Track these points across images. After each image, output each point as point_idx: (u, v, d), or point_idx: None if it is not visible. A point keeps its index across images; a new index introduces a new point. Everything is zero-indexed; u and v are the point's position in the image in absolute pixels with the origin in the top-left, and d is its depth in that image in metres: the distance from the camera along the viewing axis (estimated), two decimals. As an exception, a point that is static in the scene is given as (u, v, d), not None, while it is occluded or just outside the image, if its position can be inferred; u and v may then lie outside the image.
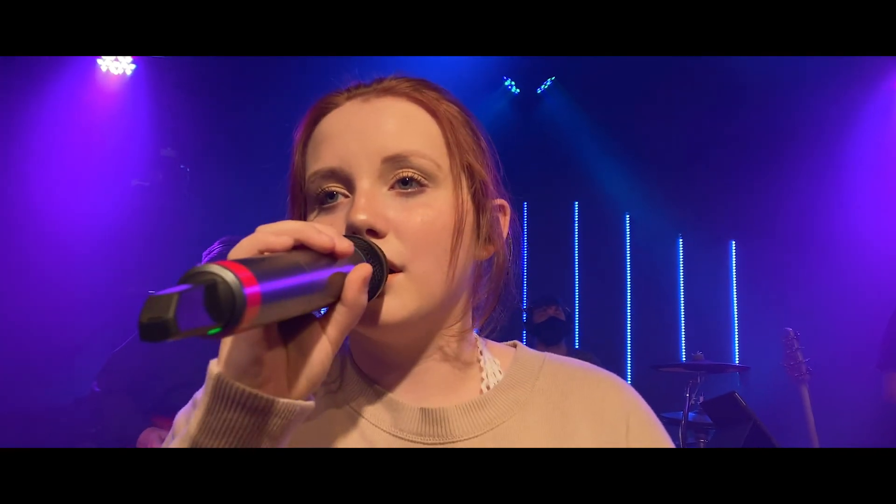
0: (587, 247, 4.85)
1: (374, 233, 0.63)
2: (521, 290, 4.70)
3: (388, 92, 0.69)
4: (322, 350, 0.55)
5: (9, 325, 3.65)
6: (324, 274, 0.52)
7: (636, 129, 4.54)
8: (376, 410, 0.69)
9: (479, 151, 0.71)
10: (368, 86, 0.70)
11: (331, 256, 0.54)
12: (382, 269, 0.61)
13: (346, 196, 0.65)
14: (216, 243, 2.50)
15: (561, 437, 0.71)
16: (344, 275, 0.55)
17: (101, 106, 4.10)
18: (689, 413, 2.98)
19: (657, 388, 3.85)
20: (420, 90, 0.69)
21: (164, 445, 0.70)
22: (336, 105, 0.69)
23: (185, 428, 0.56)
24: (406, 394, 0.70)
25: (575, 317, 4.64)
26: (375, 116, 0.66)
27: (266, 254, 0.51)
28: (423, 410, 0.68)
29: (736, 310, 4.65)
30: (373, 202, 0.63)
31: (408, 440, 0.68)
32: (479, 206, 0.70)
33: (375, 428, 0.68)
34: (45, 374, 3.84)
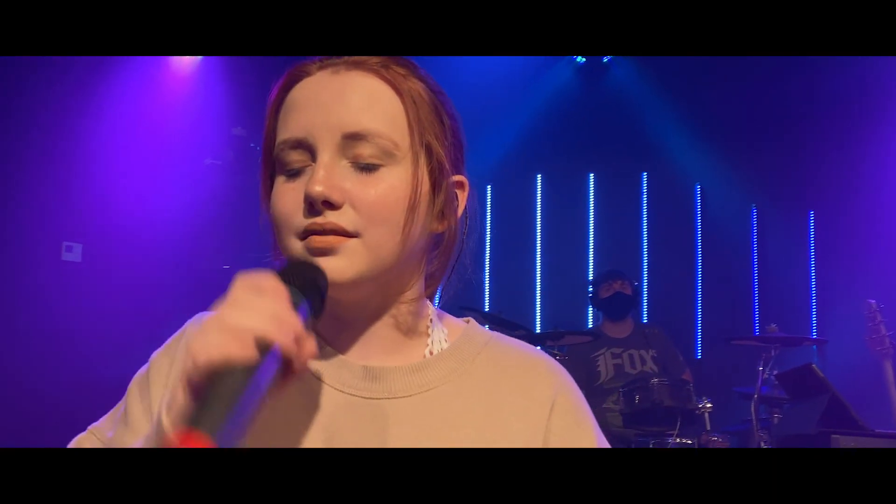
0: (656, 219, 4.74)
1: (329, 203, 0.67)
2: (587, 264, 4.66)
3: (358, 66, 0.71)
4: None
5: (97, 300, 3.85)
6: (266, 374, 0.57)
7: (706, 95, 4.40)
8: (324, 367, 0.74)
9: (440, 130, 0.74)
10: (342, 58, 0.73)
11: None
12: (321, 298, 0.65)
13: (310, 164, 0.70)
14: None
15: (490, 408, 0.75)
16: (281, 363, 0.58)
17: (174, 89, 4.24)
18: (762, 387, 2.91)
19: (728, 362, 3.79)
20: (388, 66, 0.72)
21: (122, 408, 0.80)
22: (308, 73, 0.73)
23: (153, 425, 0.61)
24: (353, 352, 0.75)
25: (643, 290, 4.57)
26: (341, 91, 0.70)
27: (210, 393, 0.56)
28: (365, 368, 0.74)
29: (814, 282, 4.48)
30: (330, 174, 0.67)
31: (347, 393, 0.73)
32: (436, 183, 0.73)
33: (321, 382, 0.73)
34: (129, 347, 4.04)
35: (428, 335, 0.78)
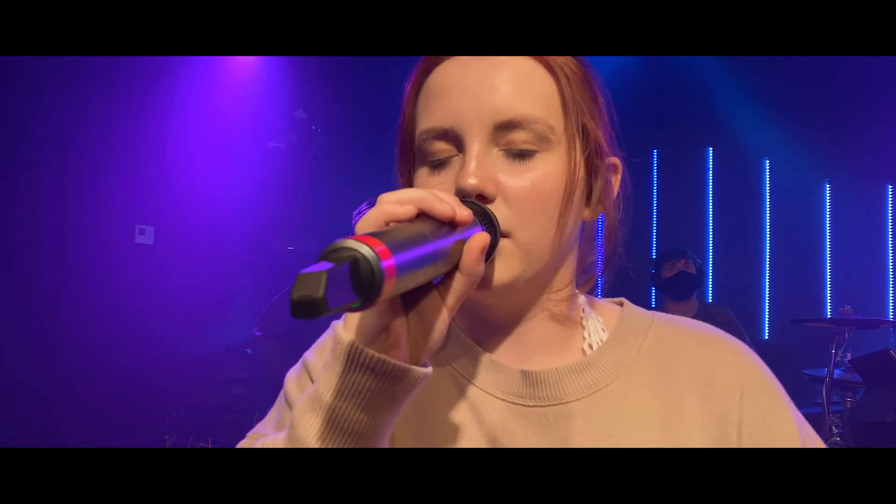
0: (722, 195, 4.61)
1: (482, 197, 0.62)
2: (650, 243, 4.57)
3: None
4: (440, 317, 0.56)
5: (168, 281, 4.00)
6: (446, 242, 0.53)
7: (774, 65, 4.22)
8: (478, 372, 0.69)
9: (595, 109, 0.68)
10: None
11: (450, 224, 0.54)
12: (496, 234, 0.61)
13: (456, 154, 0.64)
14: (364, 204, 2.64)
15: (667, 402, 0.67)
16: (463, 242, 0.55)
17: (238, 77, 4.33)
18: (835, 370, 2.81)
19: (797, 345, 3.68)
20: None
21: (281, 406, 0.74)
22: (448, 57, 0.67)
23: (308, 391, 0.58)
24: (507, 355, 0.69)
25: (708, 269, 4.46)
26: (491, 74, 0.64)
27: (391, 224, 0.52)
28: (524, 373, 0.68)
29: (892, 260, 4.28)
30: (483, 165, 0.62)
31: (509, 401, 0.67)
32: (592, 168, 0.67)
33: (477, 389, 0.68)
34: (198, 325, 4.19)
35: (583, 327, 0.71)
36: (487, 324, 0.70)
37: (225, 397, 3.96)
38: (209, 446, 3.93)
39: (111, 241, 3.84)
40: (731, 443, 0.67)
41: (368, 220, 0.53)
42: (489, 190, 0.62)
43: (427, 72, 0.67)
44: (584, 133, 0.66)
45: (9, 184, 3.35)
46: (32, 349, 3.42)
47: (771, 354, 2.87)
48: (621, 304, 0.76)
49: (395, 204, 0.53)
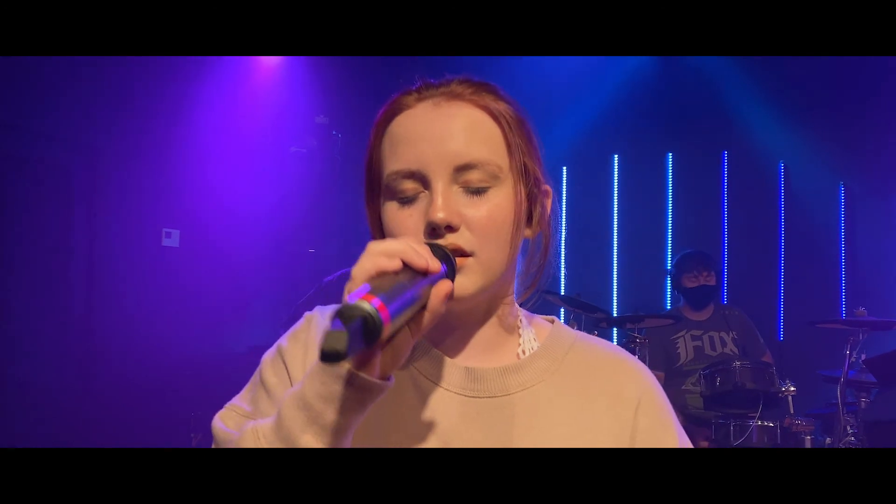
0: (737, 198, 4.65)
1: (450, 227, 0.75)
2: (665, 245, 4.62)
3: (455, 97, 0.79)
4: (406, 343, 0.70)
5: (194, 282, 4.10)
6: (420, 287, 0.67)
7: (788, 69, 4.27)
8: (431, 368, 0.82)
9: (531, 148, 0.82)
10: (437, 88, 0.80)
11: (423, 272, 0.68)
12: (453, 266, 0.75)
13: (423, 191, 0.77)
14: None
15: (580, 405, 0.82)
16: (430, 286, 0.69)
17: (261, 83, 4.42)
18: (850, 371, 2.86)
19: (812, 345, 3.73)
20: (480, 93, 0.80)
21: (256, 386, 0.88)
22: (408, 106, 0.79)
23: (295, 389, 0.71)
24: (456, 354, 0.83)
25: (723, 271, 4.51)
26: (447, 124, 0.77)
27: (379, 274, 0.66)
28: (468, 369, 0.81)
29: (906, 263, 4.32)
30: (448, 201, 0.75)
31: (455, 392, 0.81)
32: (531, 197, 0.81)
33: (430, 383, 0.82)
34: (223, 325, 4.29)
35: (519, 335, 0.85)
36: (444, 325, 0.81)
37: (249, 396, 4.06)
38: (234, 444, 4.04)
39: (139, 243, 3.94)
40: (626, 444, 0.82)
41: (363, 270, 0.66)
42: (455, 221, 0.75)
43: (389, 119, 0.80)
44: (525, 169, 0.80)
45: (42, 189, 3.46)
46: (66, 349, 3.52)
47: (786, 355, 2.95)
48: (552, 322, 0.90)
49: (383, 257, 0.67)
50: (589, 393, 0.83)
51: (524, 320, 0.87)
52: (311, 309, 2.71)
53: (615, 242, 4.66)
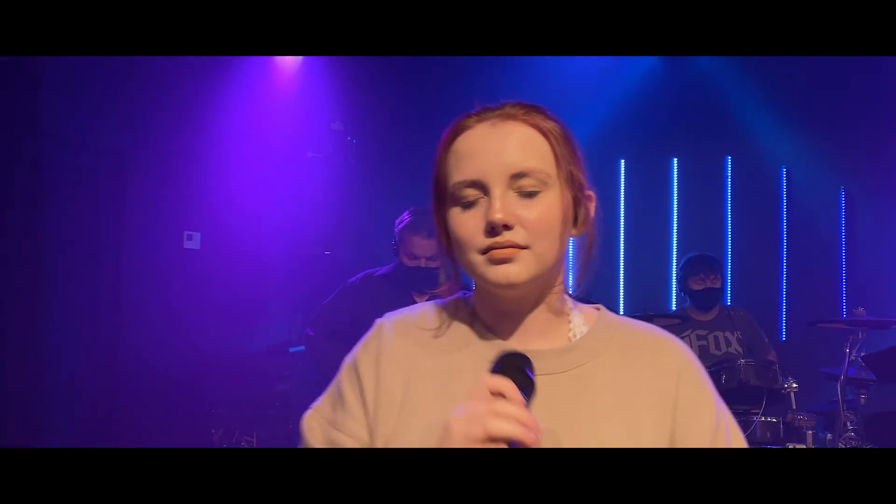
0: (740, 201, 4.79)
1: (507, 226, 0.87)
2: (671, 247, 4.76)
3: (508, 118, 0.92)
4: None
5: (214, 284, 4.23)
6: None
7: (790, 76, 4.40)
8: (490, 353, 0.89)
9: (575, 158, 0.94)
10: (493, 111, 0.93)
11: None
12: (532, 386, 0.85)
13: (482, 197, 0.90)
14: (406, 213, 2.86)
15: (625, 381, 0.93)
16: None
17: (280, 90, 4.55)
18: (849, 369, 2.99)
19: (814, 344, 3.86)
20: (530, 113, 0.92)
21: (335, 398, 0.99)
22: (469, 127, 0.93)
23: None
24: (512, 339, 0.94)
25: (727, 273, 4.64)
26: (502, 139, 0.90)
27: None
28: (525, 351, 0.90)
29: (905, 265, 4.46)
30: (505, 204, 0.88)
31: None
32: (577, 201, 0.94)
33: (482, 360, 0.89)
34: (243, 325, 4.42)
35: (570, 321, 0.97)
36: (502, 313, 0.94)
37: (268, 393, 4.18)
38: (254, 440, 4.15)
39: (162, 246, 4.06)
40: (668, 414, 0.92)
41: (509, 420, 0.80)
42: (511, 220, 0.87)
43: (453, 139, 0.93)
44: (571, 177, 0.92)
45: (71, 194, 3.58)
46: (95, 347, 3.65)
47: (788, 355, 3.12)
48: (598, 309, 1.02)
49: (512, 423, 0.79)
50: (633, 369, 0.94)
51: (573, 307, 0.99)
52: (337, 309, 2.84)
53: (622, 245, 4.79)
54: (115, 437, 3.66)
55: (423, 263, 2.77)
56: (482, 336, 0.96)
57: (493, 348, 0.92)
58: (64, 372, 3.46)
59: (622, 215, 4.82)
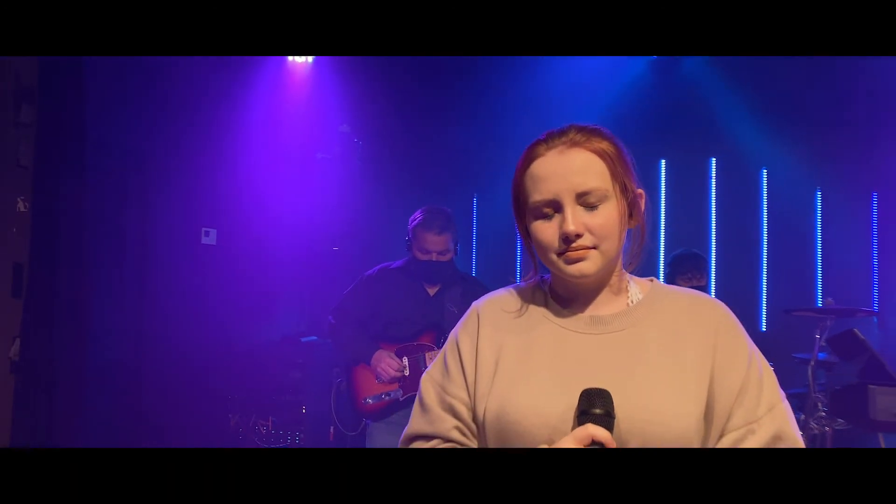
0: (724, 201, 5.07)
1: (578, 234, 1.10)
2: (658, 244, 5.05)
3: (574, 145, 1.14)
4: None
5: (229, 278, 4.46)
6: None
7: (772, 83, 4.69)
8: (563, 320, 1.18)
9: (628, 169, 1.16)
10: (559, 138, 1.15)
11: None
12: (611, 412, 1.05)
13: (558, 212, 1.13)
14: (418, 212, 3.07)
15: (675, 333, 1.15)
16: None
17: (292, 93, 4.80)
18: (819, 353, 3.29)
19: (790, 331, 4.17)
20: (589, 139, 1.14)
21: (426, 408, 1.23)
22: (541, 154, 1.15)
23: None
24: (584, 308, 1.19)
25: (710, 269, 4.94)
26: (569, 166, 1.12)
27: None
28: (591, 317, 1.18)
29: (876, 260, 4.77)
30: (575, 218, 1.11)
31: (581, 333, 1.17)
32: (630, 201, 1.17)
33: (564, 330, 1.17)
34: (258, 316, 4.66)
35: (627, 291, 1.21)
36: (575, 292, 1.20)
37: (282, 380, 4.42)
38: (269, 424, 4.40)
39: (182, 242, 4.29)
40: (710, 355, 1.12)
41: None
42: (580, 230, 1.11)
43: (529, 164, 1.17)
44: (624, 186, 1.15)
45: (99, 193, 3.80)
46: (122, 338, 3.86)
47: (768, 343, 3.46)
48: (651, 280, 1.26)
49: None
50: (680, 325, 1.16)
51: (630, 280, 1.22)
52: (356, 299, 3.16)
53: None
54: (140, 421, 3.88)
55: (434, 257, 2.97)
56: (558, 321, 1.19)
57: (565, 316, 1.19)
58: (96, 357, 3.67)
59: (613, 213, 5.07)
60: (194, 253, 4.37)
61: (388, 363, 2.86)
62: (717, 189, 5.08)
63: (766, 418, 1.11)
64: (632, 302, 1.19)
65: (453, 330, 1.26)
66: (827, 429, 3.46)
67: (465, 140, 5.09)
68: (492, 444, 1.14)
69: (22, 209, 3.03)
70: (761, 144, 4.89)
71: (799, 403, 3.59)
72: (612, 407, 1.05)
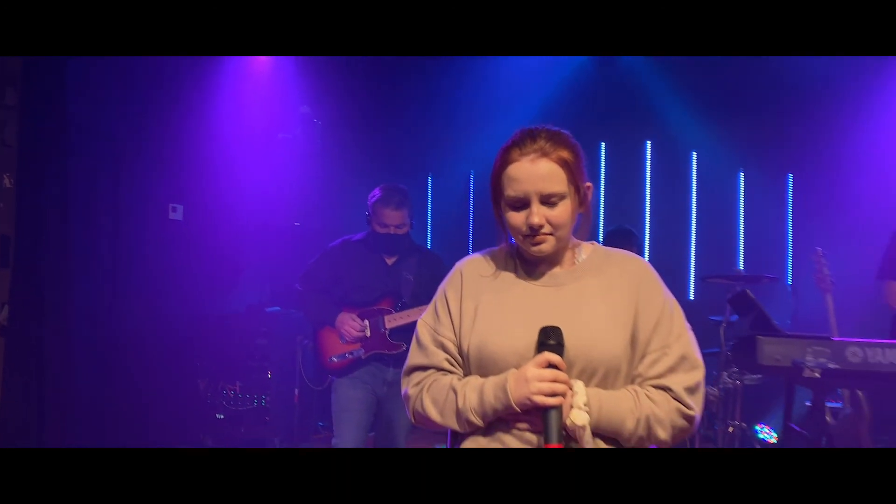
0: (657, 181, 5.51)
1: (541, 226, 1.42)
2: (598, 221, 5.47)
3: (543, 154, 1.43)
4: None
5: (195, 252, 4.65)
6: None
7: (704, 75, 5.12)
8: (529, 276, 1.52)
9: (581, 172, 1.47)
10: (531, 146, 1.44)
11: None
12: (561, 342, 1.40)
13: (526, 205, 1.44)
14: (377, 189, 3.33)
15: (608, 281, 1.50)
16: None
17: (255, 79, 4.98)
18: (732, 317, 3.75)
19: (710, 297, 4.63)
20: (556, 149, 1.44)
21: (422, 345, 1.53)
22: (516, 160, 1.45)
23: (484, 387, 1.42)
24: (542, 270, 1.52)
25: (645, 240, 5.40)
26: (537, 174, 1.43)
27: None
28: (549, 274, 1.51)
29: (790, 235, 5.29)
30: (539, 213, 1.43)
31: (541, 285, 1.51)
32: (582, 195, 1.49)
33: (529, 283, 1.51)
34: (223, 288, 4.89)
35: (575, 254, 1.54)
36: (539, 261, 1.52)
37: (248, 347, 4.67)
38: (236, 388, 4.66)
39: (151, 218, 4.46)
40: (634, 299, 1.46)
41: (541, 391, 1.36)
42: (542, 222, 1.43)
43: (506, 166, 1.47)
44: (578, 186, 1.47)
45: (77, 173, 3.90)
46: (98, 308, 4.03)
47: (694, 309, 3.99)
48: (593, 244, 1.59)
49: (548, 387, 1.36)
50: (612, 277, 1.50)
51: (578, 246, 1.55)
52: (320, 268, 3.51)
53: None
54: (113, 389, 4.06)
55: (391, 231, 3.23)
56: (523, 277, 1.54)
57: (530, 273, 1.53)
58: (74, 322, 3.80)
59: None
60: (162, 228, 4.52)
61: (351, 325, 3.17)
62: (652, 169, 5.52)
63: (675, 344, 1.46)
64: (578, 262, 1.53)
65: (441, 285, 1.58)
66: (738, 382, 3.94)
67: (421, 123, 5.40)
68: (474, 372, 1.47)
69: (8, 185, 3.23)
70: (692, 129, 5.33)
71: (715, 361, 4.05)
72: (563, 339, 1.39)
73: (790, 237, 5.29)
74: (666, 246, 5.44)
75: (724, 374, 3.94)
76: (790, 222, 5.30)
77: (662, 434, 1.42)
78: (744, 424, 3.92)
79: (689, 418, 1.44)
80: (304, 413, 4.59)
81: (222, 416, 4.57)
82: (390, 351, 3.20)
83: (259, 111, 5.00)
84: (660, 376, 1.44)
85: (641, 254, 4.41)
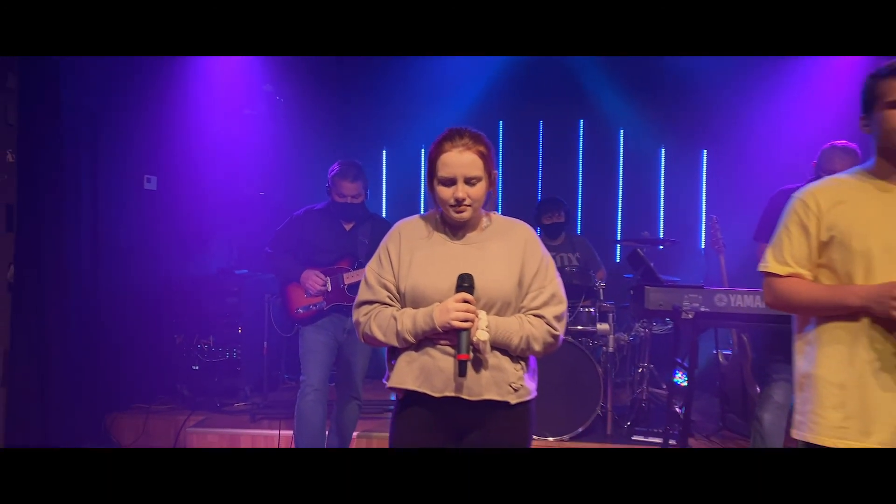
0: (589, 156, 6.09)
1: (463, 199, 1.91)
2: (536, 192, 6.06)
3: (467, 148, 1.92)
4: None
5: (169, 220, 5.05)
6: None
7: (633, 62, 5.67)
8: (451, 237, 2.00)
9: (493, 162, 1.97)
10: (460, 140, 1.92)
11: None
12: (472, 285, 1.91)
13: (454, 183, 1.92)
14: (336, 164, 3.77)
15: (504, 240, 1.99)
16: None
17: (221, 57, 5.35)
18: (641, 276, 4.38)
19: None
20: (476, 145, 1.93)
21: (370, 284, 2.03)
22: (448, 150, 1.93)
23: (416, 315, 1.92)
24: (460, 231, 2.00)
25: (578, 211, 6.01)
26: (463, 162, 1.92)
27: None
28: (465, 235, 2.00)
29: (704, 204, 5.96)
30: (463, 190, 1.91)
31: (460, 244, 1.99)
32: (492, 179, 1.98)
33: (447, 239, 2.00)
34: (195, 252, 5.29)
35: (482, 221, 2.02)
36: (459, 226, 2.00)
37: (220, 305, 5.10)
38: (209, 342, 5.11)
39: (126, 187, 4.79)
40: (521, 253, 1.96)
41: (457, 316, 1.88)
42: (464, 197, 1.92)
43: (440, 154, 1.95)
44: (490, 172, 1.98)
45: (57, 146, 4.27)
46: (79, 273, 4.31)
47: (618, 271, 4.75)
48: (494, 213, 2.08)
49: (462, 315, 1.88)
50: (507, 237, 1.99)
51: (485, 215, 2.03)
52: (288, 234, 4.12)
53: (501, 189, 6.00)
54: (99, 342, 4.46)
55: (349, 200, 3.65)
56: (448, 237, 2.01)
57: (453, 236, 2.01)
58: (56, 282, 4.17)
59: (501, 166, 6.02)
60: (139, 197, 4.87)
61: (315, 280, 3.68)
62: (584, 145, 6.12)
63: (548, 286, 1.99)
64: (484, 227, 2.03)
65: (383, 240, 2.05)
66: (647, 330, 4.60)
67: (377, 103, 5.86)
68: (408, 305, 1.94)
69: (10, 160, 3.63)
70: (620, 110, 5.92)
71: (618, 312, 4.66)
72: (473, 282, 1.90)
73: (703, 206, 5.97)
74: (596, 213, 6.06)
75: (637, 324, 4.59)
76: (704, 193, 5.97)
77: (537, 347, 1.95)
78: (651, 366, 4.58)
79: (555, 337, 1.98)
80: (272, 364, 5.05)
81: (197, 367, 5.02)
82: (349, 303, 3.65)
83: (227, 89, 5.35)
84: (537, 308, 1.97)
85: (570, 219, 5.01)
